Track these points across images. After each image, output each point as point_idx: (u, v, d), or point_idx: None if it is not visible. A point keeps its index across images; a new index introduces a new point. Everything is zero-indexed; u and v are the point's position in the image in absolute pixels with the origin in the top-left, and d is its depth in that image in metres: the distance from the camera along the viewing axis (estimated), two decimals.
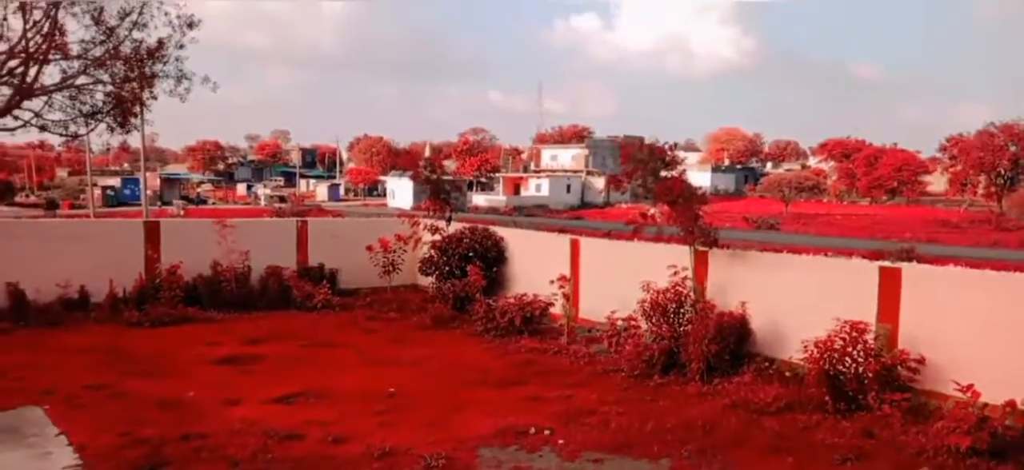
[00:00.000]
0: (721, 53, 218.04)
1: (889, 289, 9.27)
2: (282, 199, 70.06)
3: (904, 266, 9.73)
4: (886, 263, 10.18)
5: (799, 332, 9.46)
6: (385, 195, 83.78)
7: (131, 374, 9.97)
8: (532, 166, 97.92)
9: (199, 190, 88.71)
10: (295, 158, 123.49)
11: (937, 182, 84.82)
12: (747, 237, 31.35)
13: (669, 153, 11.56)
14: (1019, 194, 57.02)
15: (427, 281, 16.43)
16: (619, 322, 11.50)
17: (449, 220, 16.33)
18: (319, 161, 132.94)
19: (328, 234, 17.32)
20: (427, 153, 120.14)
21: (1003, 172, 65.02)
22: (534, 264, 15.05)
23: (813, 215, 58.28)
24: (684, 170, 11.76)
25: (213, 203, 73.44)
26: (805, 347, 8.94)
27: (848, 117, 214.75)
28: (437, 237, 15.97)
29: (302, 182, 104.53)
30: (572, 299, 13.19)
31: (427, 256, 16.05)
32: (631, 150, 12.07)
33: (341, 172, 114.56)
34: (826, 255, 18.50)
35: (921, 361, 8.71)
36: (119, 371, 10.12)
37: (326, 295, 15.02)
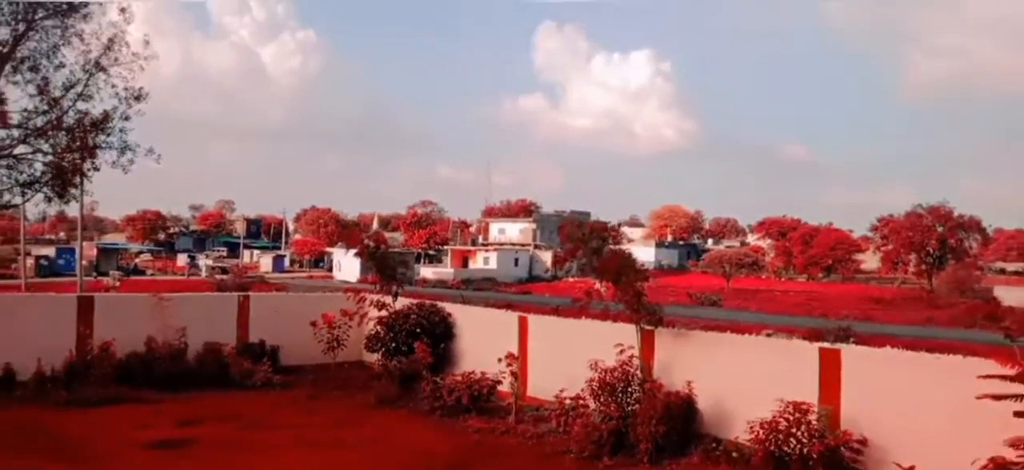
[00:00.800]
0: (662, 134, 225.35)
1: (830, 370, 9.44)
2: (224, 270, 68.21)
3: (843, 347, 9.98)
4: (825, 344, 10.40)
5: (745, 412, 9.52)
6: (331, 268, 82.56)
7: (53, 459, 9.35)
8: (480, 239, 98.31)
9: (137, 260, 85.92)
10: (240, 228, 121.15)
11: (870, 260, 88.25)
12: (691, 313, 31.79)
13: (610, 230, 11.76)
14: (948, 272, 59.56)
15: (373, 358, 16.07)
16: (567, 401, 11.41)
17: (395, 295, 16.13)
18: (264, 232, 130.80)
19: (271, 308, 16.89)
20: (375, 225, 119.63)
21: (932, 252, 68.06)
22: (482, 341, 14.91)
23: (754, 291, 59.52)
24: (626, 246, 11.99)
25: (151, 274, 71.06)
26: (751, 427, 9.00)
27: (783, 195, 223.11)
28: (383, 313, 15.72)
29: (246, 253, 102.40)
30: (520, 377, 13.05)
31: (373, 332, 15.75)
32: (570, 229, 12.25)
33: (287, 243, 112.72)
34: (768, 333, 18.97)
35: (863, 442, 8.83)
36: (40, 456, 9.48)
37: (267, 373, 14.54)
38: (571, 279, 63.49)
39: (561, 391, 11.57)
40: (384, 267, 16.08)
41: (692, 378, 10.75)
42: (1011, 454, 7.13)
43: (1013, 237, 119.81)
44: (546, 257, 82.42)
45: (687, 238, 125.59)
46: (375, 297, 16.05)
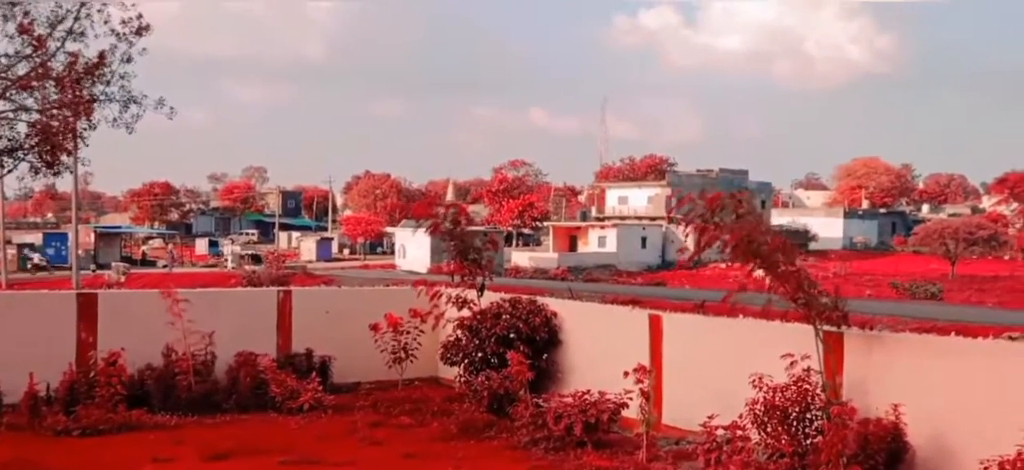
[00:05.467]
0: (848, 55, 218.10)
1: None
2: (256, 259, 71.25)
3: None
4: None
5: (977, 448, 9.29)
6: (393, 253, 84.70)
7: None
8: (593, 212, 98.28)
9: (145, 248, 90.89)
10: (274, 204, 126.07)
11: None
12: (898, 311, 30.81)
13: (743, 200, 11.61)
14: None
15: (452, 373, 16.45)
16: (720, 432, 11.35)
17: (482, 289, 16.42)
18: (305, 207, 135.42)
19: (320, 309, 17.58)
20: (450, 195, 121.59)
21: None
22: (599, 349, 15.02)
23: (992, 278, 57.03)
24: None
25: (164, 266, 74.98)
26: (985, 469, 8.72)
27: None
28: (465, 312, 16.03)
29: (283, 236, 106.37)
30: (653, 399, 13.08)
31: (452, 338, 16.11)
32: (690, 199, 12.20)
33: (334, 222, 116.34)
34: (1013, 337, 18.16)
35: None
36: None
37: (316, 392, 15.16)
38: (723, 265, 62.65)
39: (710, 417, 11.51)
40: (466, 251, 16.34)
41: (899, 401, 10.49)
42: None
43: None
44: (687, 236, 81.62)
45: (891, 204, 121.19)
46: (454, 292, 16.34)
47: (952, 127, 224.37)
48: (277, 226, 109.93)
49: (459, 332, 15.99)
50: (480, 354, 15.62)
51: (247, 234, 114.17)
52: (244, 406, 14.98)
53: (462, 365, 15.88)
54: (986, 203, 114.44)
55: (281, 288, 19.75)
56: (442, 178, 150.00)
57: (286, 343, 16.74)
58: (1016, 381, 9.91)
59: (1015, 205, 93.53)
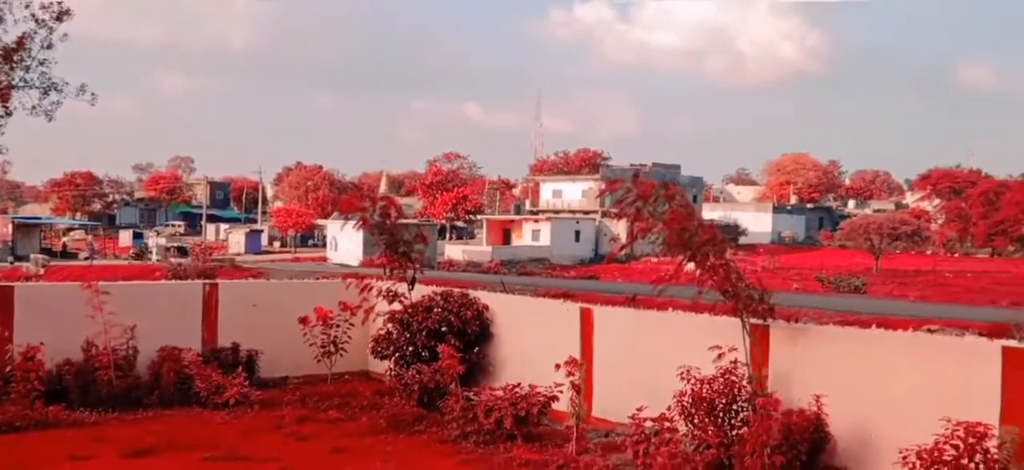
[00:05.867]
0: (780, 54, 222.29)
1: (1017, 378, 9.34)
2: (182, 252, 70.06)
3: None
4: (1012, 342, 10.26)
5: (896, 437, 9.51)
6: (325, 245, 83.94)
7: None
8: (528, 205, 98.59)
9: (66, 240, 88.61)
10: (201, 195, 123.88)
11: None
12: (824, 304, 31.52)
13: (676, 192, 11.73)
14: None
15: (383, 366, 16.40)
16: (648, 423, 11.47)
17: (413, 282, 16.38)
18: (234, 199, 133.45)
19: (247, 302, 17.34)
20: (383, 187, 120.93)
21: None
22: (531, 342, 15.09)
23: (914, 272, 58.70)
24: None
25: (86, 258, 73.20)
26: (904, 458, 8.99)
27: (957, 138, 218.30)
28: (396, 306, 16.00)
29: (211, 228, 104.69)
30: (584, 391, 13.17)
31: (383, 332, 16.06)
32: (616, 186, 12.31)
33: (265, 214, 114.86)
34: (932, 329, 18.72)
35: None
36: None
37: (242, 387, 14.97)
38: (654, 258, 63.37)
39: (639, 410, 11.63)
40: (396, 244, 16.29)
41: (822, 392, 10.73)
42: None
43: None
44: (619, 229, 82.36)
45: (818, 200, 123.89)
46: (385, 285, 16.32)
47: (878, 125, 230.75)
48: (205, 218, 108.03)
49: (390, 325, 15.95)
50: (411, 348, 15.59)
51: (173, 226, 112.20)
52: (167, 402, 14.74)
53: (393, 359, 15.84)
54: (910, 199, 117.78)
55: (207, 281, 19.47)
56: (376, 170, 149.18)
57: (212, 337, 16.51)
58: (933, 372, 10.22)
59: (937, 201, 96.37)
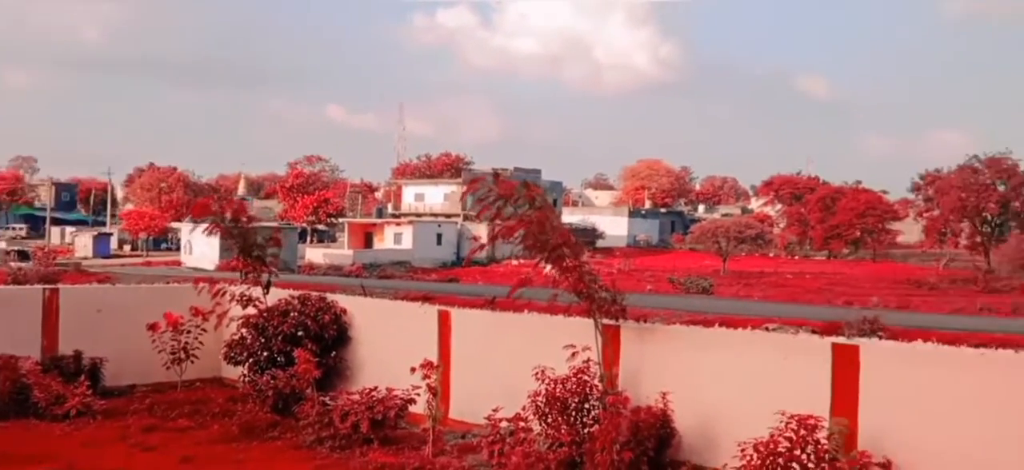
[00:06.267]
0: (634, 63, 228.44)
1: (845, 373, 9.88)
2: (23, 256, 66.17)
3: (863, 343, 10.41)
4: (840, 340, 10.84)
5: (738, 431, 9.86)
6: (179, 249, 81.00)
7: None
8: (390, 209, 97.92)
9: None
10: (45, 196, 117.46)
11: (910, 230, 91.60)
12: (674, 304, 32.52)
13: (537, 194, 11.91)
14: (1010, 245, 61.77)
15: (236, 373, 16.00)
16: (503, 424, 11.62)
17: (268, 286, 16.06)
18: (81, 201, 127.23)
19: (90, 307, 16.66)
20: (241, 189, 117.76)
21: (990, 218, 70.73)
22: (389, 345, 15.02)
23: (758, 274, 61.13)
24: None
25: None
26: (742, 451, 9.34)
27: (797, 145, 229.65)
28: (251, 310, 15.66)
29: (55, 231, 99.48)
30: (441, 394, 13.18)
31: (236, 337, 15.69)
32: (477, 185, 12.44)
33: (114, 217, 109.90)
34: (772, 328, 19.60)
35: (887, 466, 9.28)
36: None
37: (84, 397, 14.32)
38: (515, 262, 64.05)
39: (495, 410, 11.76)
40: (249, 248, 15.96)
41: (669, 389, 11.06)
42: None
43: None
44: (481, 231, 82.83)
45: (671, 204, 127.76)
46: (239, 289, 15.96)
47: (726, 133, 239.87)
48: (49, 220, 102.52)
49: (244, 330, 15.61)
50: (266, 353, 15.30)
51: (14, 229, 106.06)
52: (3, 413, 13.93)
53: (247, 364, 15.49)
54: (755, 204, 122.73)
55: (47, 286, 18.50)
56: (234, 172, 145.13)
57: (52, 345, 15.76)
58: (771, 368, 10.68)
59: (779, 206, 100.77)
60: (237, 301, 15.75)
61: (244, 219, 16.21)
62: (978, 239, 71.26)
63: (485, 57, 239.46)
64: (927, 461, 9.22)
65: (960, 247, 75.72)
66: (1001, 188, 70.97)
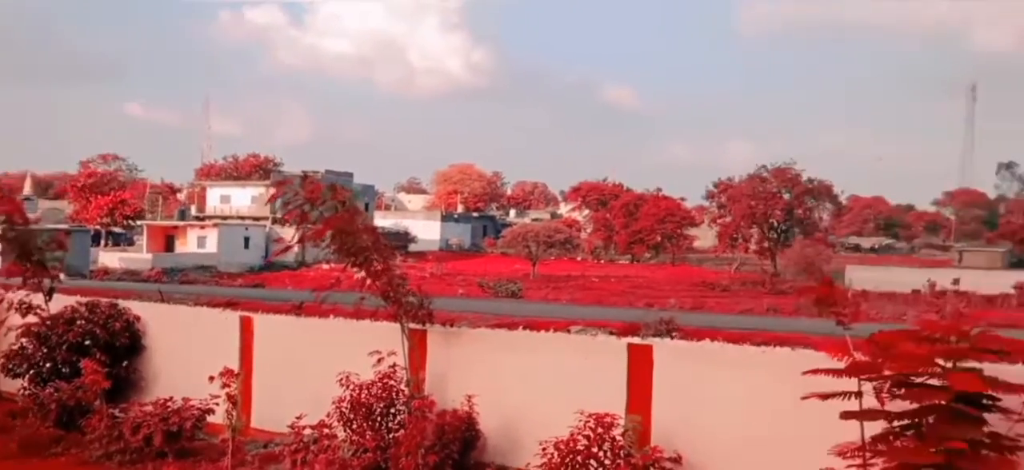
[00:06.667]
0: (447, 67, 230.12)
1: (640, 371, 10.28)
2: None
3: (656, 343, 10.87)
4: (634, 340, 11.27)
5: (541, 431, 10.07)
6: None
7: None
8: (193, 211, 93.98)
9: None
10: None
11: (705, 236, 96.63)
12: (484, 308, 32.87)
13: (346, 198, 11.80)
14: (794, 250, 66.39)
15: (16, 385, 14.95)
16: (307, 431, 11.36)
17: (50, 293, 15.06)
18: None
19: None
20: (27, 189, 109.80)
21: (776, 224, 75.79)
22: (188, 355, 14.50)
23: (565, 277, 62.76)
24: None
25: None
26: (544, 450, 9.53)
27: (604, 152, 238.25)
28: (33, 318, 14.66)
29: None
30: (242, 403, 12.75)
31: (16, 347, 14.69)
32: (319, 186, 12.20)
33: None
34: (577, 330, 20.13)
35: (677, 460, 9.72)
36: None
37: None
38: (326, 265, 62.98)
39: (298, 418, 11.48)
40: (29, 252, 14.92)
41: (475, 392, 11.17)
42: (839, 465, 8.21)
43: (870, 206, 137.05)
44: (290, 235, 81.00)
45: (483, 208, 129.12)
46: (18, 296, 14.97)
47: (536, 139, 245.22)
48: None
49: (24, 340, 14.61)
50: (49, 364, 14.39)
51: None
52: None
53: (27, 376, 14.52)
54: (563, 209, 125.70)
55: None
56: (18, 170, 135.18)
57: None
58: (573, 369, 10.98)
59: (586, 212, 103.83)
60: (16, 309, 14.74)
61: (20, 220, 15.09)
62: (766, 244, 76.04)
63: (296, 56, 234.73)
64: (715, 451, 9.73)
65: (750, 252, 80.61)
66: (786, 196, 76.03)
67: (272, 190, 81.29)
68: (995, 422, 7.36)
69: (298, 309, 15.32)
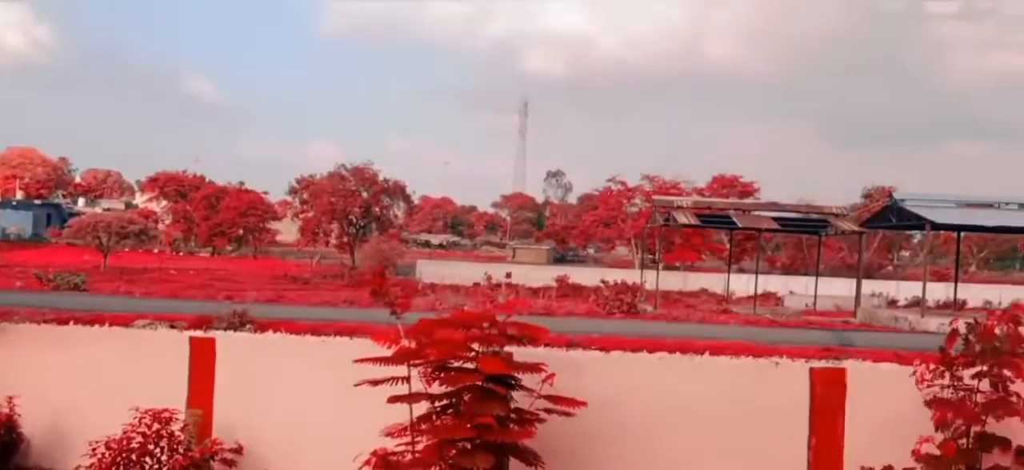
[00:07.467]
0: (6, 41, 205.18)
1: (202, 364, 10.10)
2: None
3: (219, 335, 10.74)
4: (198, 333, 11.07)
5: (93, 430, 9.49)
6: None
7: None
8: None
9: None
10: None
11: (288, 230, 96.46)
12: (44, 303, 30.00)
13: None
14: (371, 245, 68.93)
15: None
16: None
17: None
18: None
19: None
20: None
21: (355, 220, 78.17)
22: None
23: (141, 270, 59.28)
24: None
25: None
26: (94, 450, 9.04)
27: (186, 144, 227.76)
28: None
29: None
30: None
31: None
32: None
33: None
34: (145, 323, 19.14)
35: (239, 450, 9.69)
36: None
37: None
38: None
39: None
40: None
41: (16, 393, 10.32)
42: (391, 443, 8.74)
43: (439, 206, 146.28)
44: None
45: (47, 195, 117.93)
46: None
47: (111, 125, 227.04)
48: None
49: None
50: None
51: None
52: None
53: None
54: (140, 199, 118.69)
55: None
56: None
57: None
58: (130, 364, 10.48)
59: (165, 202, 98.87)
60: None
61: None
62: (345, 239, 78.23)
63: None
64: (277, 440, 9.83)
65: (330, 246, 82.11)
66: (364, 194, 78.82)
67: None
68: (520, 398, 8.26)
69: None
